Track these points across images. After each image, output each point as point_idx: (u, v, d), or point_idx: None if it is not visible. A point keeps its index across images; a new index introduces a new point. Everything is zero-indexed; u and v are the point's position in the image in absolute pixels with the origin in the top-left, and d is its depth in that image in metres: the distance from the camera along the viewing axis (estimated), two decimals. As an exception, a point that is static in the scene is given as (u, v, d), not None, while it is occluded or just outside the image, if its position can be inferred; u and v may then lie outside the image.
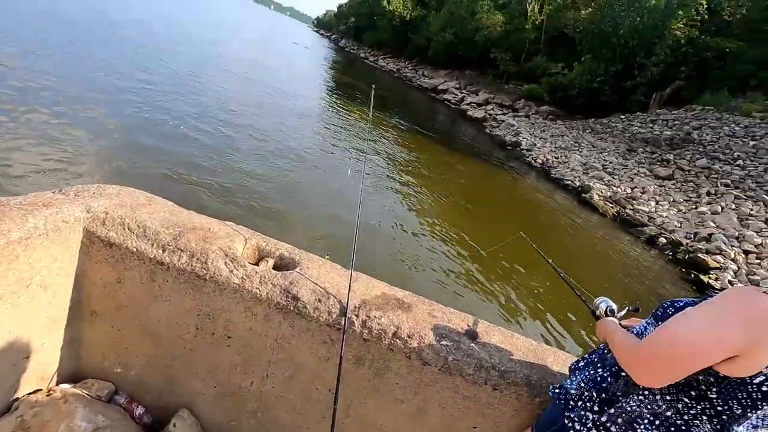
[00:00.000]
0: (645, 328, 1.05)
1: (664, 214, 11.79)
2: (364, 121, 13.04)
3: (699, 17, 23.55)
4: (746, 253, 9.60)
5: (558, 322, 5.00)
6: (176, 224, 1.42)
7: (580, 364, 1.17)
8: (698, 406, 0.90)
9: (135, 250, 1.33)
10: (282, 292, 1.30)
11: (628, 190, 13.56)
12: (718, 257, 9.22)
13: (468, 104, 29.32)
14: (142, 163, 5.26)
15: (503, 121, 23.81)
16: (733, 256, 9.31)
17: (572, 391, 1.09)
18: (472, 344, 1.30)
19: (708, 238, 10.21)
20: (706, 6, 23.15)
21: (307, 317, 1.28)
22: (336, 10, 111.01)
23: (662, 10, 23.13)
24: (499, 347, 1.32)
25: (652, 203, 12.57)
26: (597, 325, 1.16)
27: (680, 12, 23.03)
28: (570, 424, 1.06)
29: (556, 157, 16.77)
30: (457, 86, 34.99)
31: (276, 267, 1.44)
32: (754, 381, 0.83)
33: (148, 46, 13.03)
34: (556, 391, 1.13)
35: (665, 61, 23.20)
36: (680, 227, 11.11)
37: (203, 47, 17.02)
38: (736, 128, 17.47)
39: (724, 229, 10.75)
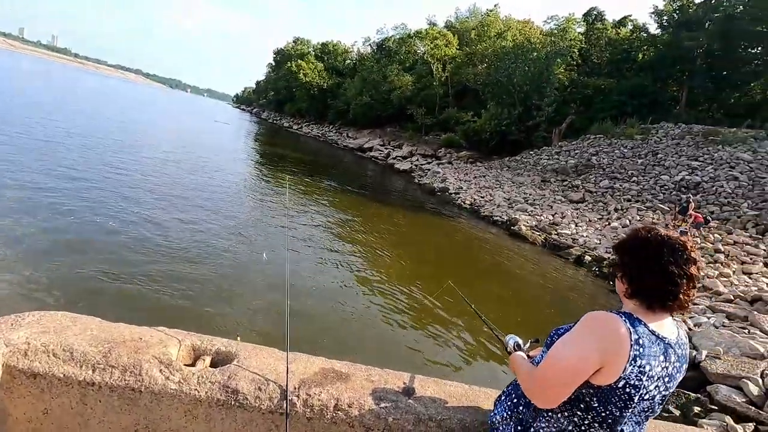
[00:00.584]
0: (541, 356, 1.24)
1: (584, 234, 12.92)
2: (291, 190, 13.22)
3: (575, 62, 27.53)
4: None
5: (491, 360, 5.25)
6: (105, 340, 1.42)
7: (502, 397, 1.32)
8: (589, 416, 1.08)
9: (62, 376, 1.31)
10: (221, 388, 1.34)
11: (550, 217, 14.77)
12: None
13: (394, 158, 30.87)
14: (63, 275, 4.90)
15: (429, 169, 25.28)
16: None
17: (496, 423, 1.24)
18: (410, 401, 1.40)
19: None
20: (578, 53, 27.17)
21: (249, 408, 1.32)
22: (254, 86, 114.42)
23: (543, 60, 26.75)
24: (434, 398, 1.44)
25: (573, 226, 13.76)
26: (509, 359, 1.34)
27: (558, 60, 26.77)
28: None
29: (482, 197, 17.97)
30: (381, 143, 36.88)
31: (213, 363, 1.47)
32: (618, 385, 1.03)
33: (53, 141, 12.47)
34: (488, 426, 1.28)
35: (556, 101, 26.51)
36: (600, 243, 12.22)
37: (121, 137, 16.63)
38: (625, 150, 20.06)
39: (635, 239, 11.99)
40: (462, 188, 19.65)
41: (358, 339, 5.08)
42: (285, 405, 1.29)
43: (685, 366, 1.11)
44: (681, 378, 1.10)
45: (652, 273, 1.03)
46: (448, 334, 5.69)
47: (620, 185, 17.03)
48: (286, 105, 67.45)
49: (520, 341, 1.40)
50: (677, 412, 4.79)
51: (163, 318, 4.21)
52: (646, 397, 1.05)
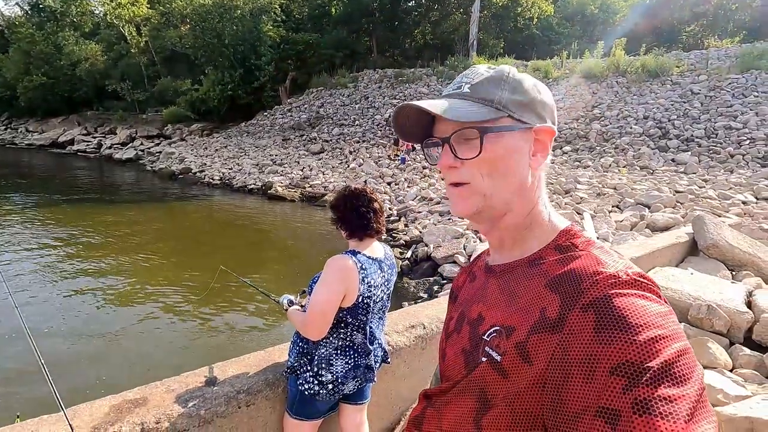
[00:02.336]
0: (308, 302, 1.59)
1: (332, 180, 14.46)
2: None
3: (280, 19, 28.32)
4: (391, 183, 13.18)
5: (277, 322, 5.69)
6: None
7: (291, 345, 1.63)
8: (348, 329, 1.51)
9: None
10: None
11: (300, 173, 15.75)
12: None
13: (111, 148, 25.83)
14: None
15: (160, 152, 22.41)
16: (384, 190, 12.59)
17: (294, 365, 1.55)
18: (216, 388, 1.53)
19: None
20: (281, 9, 27.95)
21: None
22: None
23: (250, 18, 26.46)
24: (237, 375, 1.61)
25: (321, 176, 15.13)
26: (287, 315, 1.64)
27: (264, 17, 26.98)
28: (303, 385, 1.52)
29: (230, 169, 17.40)
30: (85, 132, 29.95)
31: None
32: (359, 301, 1.47)
33: None
34: (286, 371, 1.57)
35: (273, 59, 27.07)
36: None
37: None
38: (344, 98, 22.76)
39: (370, 174, 14.26)
40: (206, 164, 18.45)
41: (143, 360, 4.55)
42: (82, 460, 1.21)
43: (395, 271, 1.65)
44: (395, 279, 1.64)
45: (352, 217, 1.49)
46: (236, 315, 5.72)
47: (348, 130, 19.49)
48: None
49: (292, 297, 1.71)
50: (425, 295, 6.41)
51: None
52: (377, 300, 1.53)
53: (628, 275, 0.55)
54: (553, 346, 0.54)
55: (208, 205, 13.38)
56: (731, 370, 2.54)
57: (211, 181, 16.30)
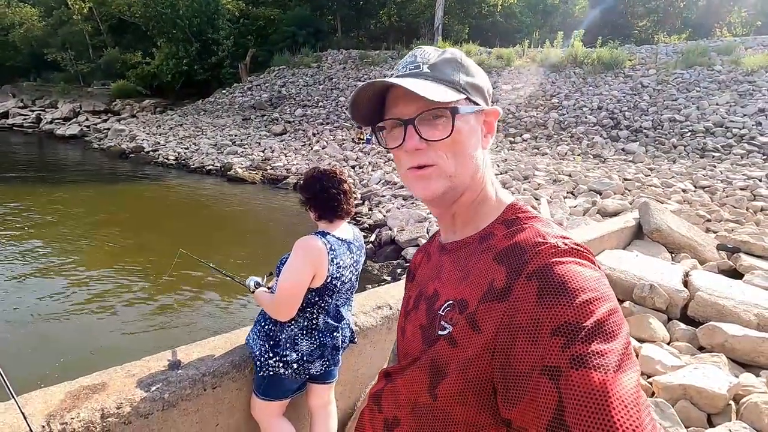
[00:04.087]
0: (275, 284, 1.58)
1: (295, 162, 14.17)
2: None
3: (239, -8, 26.95)
4: (355, 167, 13.08)
5: (241, 306, 5.60)
6: None
7: (254, 327, 1.62)
8: (315, 310, 1.51)
9: None
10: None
11: (261, 154, 15.31)
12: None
13: (51, 122, 23.91)
14: None
15: (108, 129, 21.03)
16: (349, 174, 12.47)
17: (255, 349, 1.54)
18: (180, 371, 1.50)
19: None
20: (239, -19, 26.58)
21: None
22: None
23: (207, -11, 25.00)
24: (202, 358, 1.58)
25: (283, 157, 14.78)
26: (254, 297, 1.62)
27: (221, -12, 25.57)
28: (266, 369, 1.52)
29: (186, 148, 16.63)
30: (21, 105, 27.49)
31: None
32: (328, 282, 1.47)
33: None
34: (249, 354, 1.56)
35: (232, 33, 25.82)
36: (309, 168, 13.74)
37: None
38: (307, 78, 22.16)
39: (334, 156, 14.08)
40: (160, 143, 17.52)
41: (100, 347, 4.34)
42: (37, 449, 1.16)
43: (363, 252, 1.66)
44: (363, 260, 1.65)
45: (322, 198, 1.48)
46: (198, 299, 5.56)
47: (311, 111, 19.06)
48: None
49: (259, 279, 1.69)
50: (389, 278, 6.49)
51: None
52: (346, 281, 1.54)
53: (566, 245, 0.59)
54: (501, 313, 0.57)
55: (163, 186, 12.76)
56: (669, 343, 2.77)
57: (166, 161, 15.51)
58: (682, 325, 2.92)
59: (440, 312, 0.67)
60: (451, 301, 0.66)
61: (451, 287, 0.68)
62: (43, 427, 1.23)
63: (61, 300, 5.35)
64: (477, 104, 0.69)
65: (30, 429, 1.19)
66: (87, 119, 23.85)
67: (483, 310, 0.59)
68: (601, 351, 0.48)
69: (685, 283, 3.35)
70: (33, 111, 26.26)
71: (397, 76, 0.69)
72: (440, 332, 0.65)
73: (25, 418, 1.20)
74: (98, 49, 29.54)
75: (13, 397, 1.25)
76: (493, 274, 0.61)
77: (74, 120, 23.88)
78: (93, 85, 28.28)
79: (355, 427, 0.85)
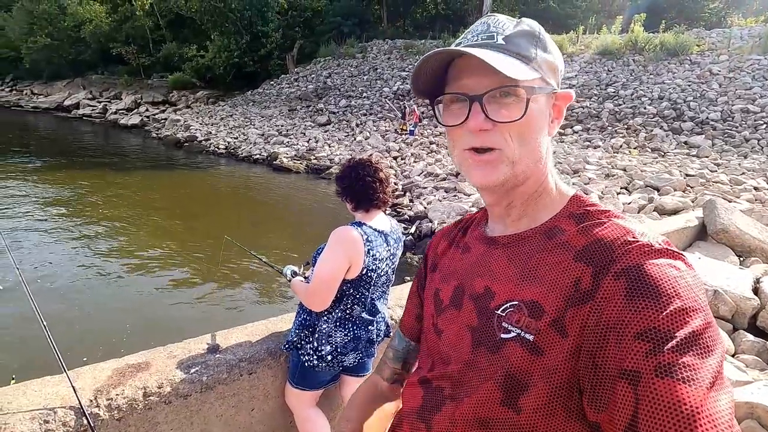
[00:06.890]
0: (312, 273, 1.57)
1: (338, 153, 14.32)
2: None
3: (288, -16, 27.40)
4: (397, 158, 13.04)
5: (282, 292, 5.70)
6: None
7: (295, 317, 1.62)
8: (350, 301, 1.49)
9: None
10: (-10, 446, 1.15)
11: (306, 144, 15.60)
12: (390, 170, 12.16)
13: (116, 113, 25.60)
14: None
15: (165, 119, 22.21)
16: (390, 165, 12.45)
17: (294, 338, 1.54)
18: (218, 355, 1.53)
19: (370, 158, 13.24)
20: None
21: (40, 447, 1.20)
22: None
23: (257, -18, 25.61)
24: (239, 343, 1.61)
25: (327, 148, 14.98)
26: (291, 286, 1.62)
27: (271, -18, 26.12)
28: (304, 359, 1.51)
29: (235, 138, 17.26)
30: (90, 96, 29.63)
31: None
32: (363, 273, 1.44)
33: None
34: (285, 345, 1.56)
35: (281, 26, 26.38)
36: (351, 158, 13.84)
37: None
38: (352, 69, 22.26)
39: (377, 147, 14.09)
40: (211, 133, 18.30)
41: (147, 328, 4.62)
42: (85, 421, 1.23)
43: (401, 245, 1.61)
44: (401, 253, 1.61)
45: (358, 188, 1.44)
46: (239, 285, 5.76)
47: (356, 102, 19.15)
48: None
49: (296, 268, 1.69)
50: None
51: None
52: (382, 274, 1.51)
53: (660, 245, 0.55)
54: (585, 314, 0.53)
55: (213, 175, 13.35)
56: (733, 356, 2.53)
57: (217, 150, 16.20)
58: (750, 337, 2.66)
59: (499, 312, 0.62)
60: (515, 302, 0.60)
61: (511, 286, 0.62)
62: (91, 401, 1.29)
63: (111, 278, 5.73)
64: (551, 85, 0.63)
65: (79, 402, 1.25)
66: (147, 110, 25.34)
67: (571, 315, 0.55)
68: (693, 365, 0.45)
69: (756, 291, 3.04)
70: (100, 102, 28.26)
71: (465, 46, 0.62)
72: (503, 335, 0.60)
73: (75, 392, 1.27)
74: (158, 44, 31.19)
75: (65, 371, 1.32)
76: (577, 274, 0.56)
77: (135, 110, 25.44)
78: (152, 77, 29.96)
79: None
